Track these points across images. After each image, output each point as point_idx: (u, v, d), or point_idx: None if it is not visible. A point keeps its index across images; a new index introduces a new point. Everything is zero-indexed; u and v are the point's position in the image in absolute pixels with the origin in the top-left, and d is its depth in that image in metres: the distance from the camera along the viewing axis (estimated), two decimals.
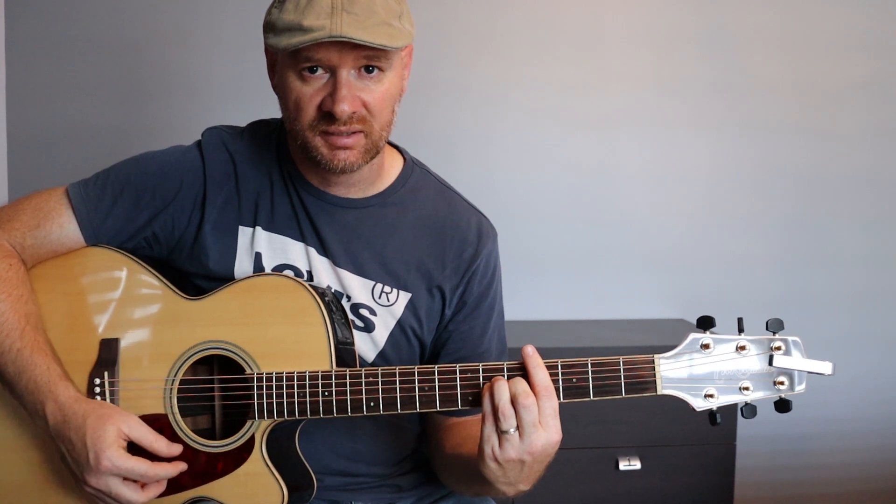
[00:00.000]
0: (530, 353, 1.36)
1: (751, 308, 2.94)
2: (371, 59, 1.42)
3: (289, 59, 1.43)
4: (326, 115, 1.43)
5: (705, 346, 1.36)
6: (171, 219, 1.56)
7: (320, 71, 1.42)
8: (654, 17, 2.91)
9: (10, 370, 1.43)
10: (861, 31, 2.97)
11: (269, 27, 1.43)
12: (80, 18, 2.74)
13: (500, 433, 1.32)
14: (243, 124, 1.68)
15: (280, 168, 1.60)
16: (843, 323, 3.02)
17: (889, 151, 3.01)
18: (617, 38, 2.91)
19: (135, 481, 1.41)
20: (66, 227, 1.53)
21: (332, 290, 1.57)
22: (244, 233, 1.57)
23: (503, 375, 1.38)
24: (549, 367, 1.36)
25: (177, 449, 1.45)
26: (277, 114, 1.70)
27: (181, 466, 1.44)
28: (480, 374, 1.39)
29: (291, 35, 1.38)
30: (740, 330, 1.37)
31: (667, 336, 2.74)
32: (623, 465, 2.55)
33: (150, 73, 2.79)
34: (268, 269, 1.56)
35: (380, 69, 1.44)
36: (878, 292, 3.04)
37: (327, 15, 1.37)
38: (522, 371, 1.36)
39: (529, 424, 1.31)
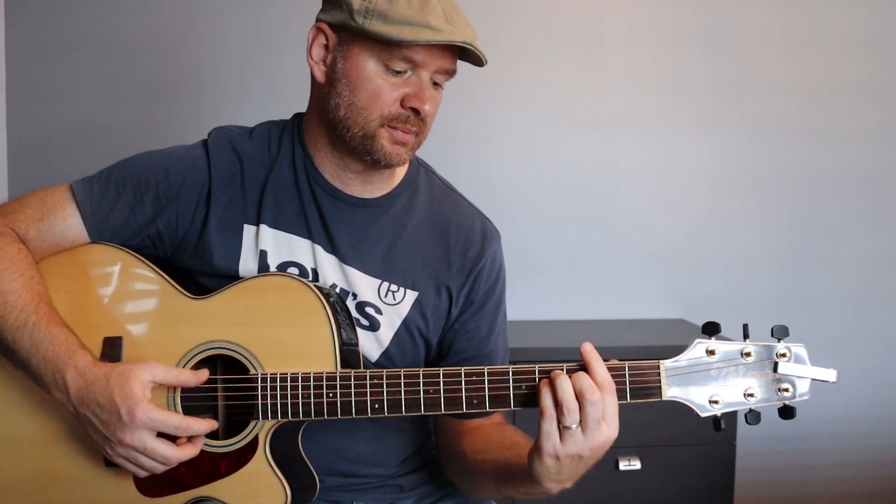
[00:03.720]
0: (588, 349, 1.35)
1: (751, 308, 2.96)
2: (448, 72, 1.50)
3: (378, 50, 1.45)
4: (407, 112, 1.47)
5: (711, 352, 1.35)
6: (175, 216, 1.56)
7: (403, 69, 1.46)
8: (654, 18, 2.92)
9: (25, 344, 1.42)
10: (861, 31, 2.97)
11: (375, 14, 1.43)
12: (80, 18, 2.74)
13: (563, 429, 1.31)
14: (244, 124, 1.67)
15: (294, 165, 1.60)
16: (843, 323, 3.02)
17: (889, 151, 3.02)
18: (617, 38, 2.91)
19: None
20: (69, 220, 1.53)
21: (338, 289, 1.57)
22: (249, 231, 1.57)
23: (508, 379, 1.38)
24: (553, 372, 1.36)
25: (204, 374, 1.45)
26: (281, 113, 1.70)
27: (213, 424, 1.44)
28: (486, 378, 1.39)
29: (417, 29, 1.40)
30: (745, 335, 1.37)
31: (667, 336, 2.74)
32: (623, 465, 2.55)
33: (150, 73, 2.79)
34: (272, 267, 1.56)
35: (445, 81, 1.52)
36: (878, 292, 3.05)
37: (444, 20, 1.42)
38: (526, 376, 1.37)
39: (594, 420, 1.30)
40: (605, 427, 1.31)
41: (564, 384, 1.31)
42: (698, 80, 2.94)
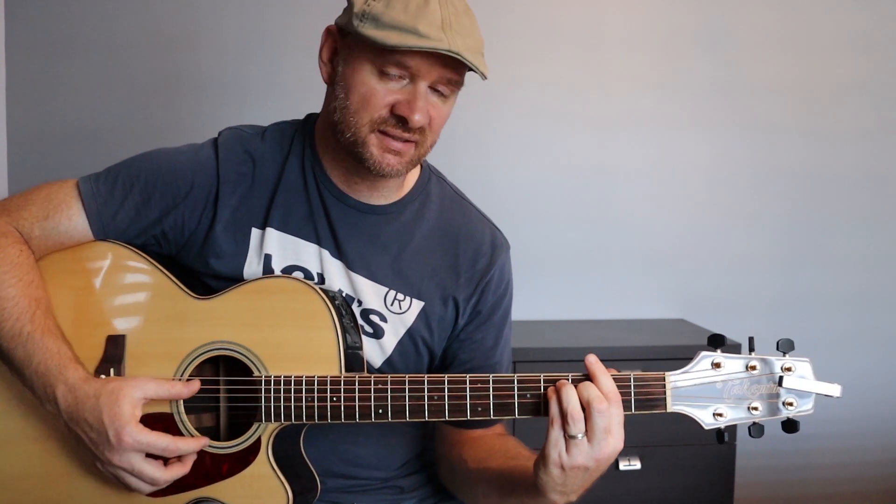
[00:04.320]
0: (593, 361, 1.35)
1: (751, 308, 2.96)
2: (450, 82, 1.45)
3: (373, 55, 1.43)
4: (396, 119, 1.44)
5: (716, 365, 1.35)
6: (181, 218, 1.55)
7: (398, 75, 1.43)
8: (654, 17, 2.92)
9: (19, 354, 1.41)
10: (861, 31, 2.97)
11: (369, 18, 1.41)
12: (80, 18, 2.74)
13: (568, 438, 1.30)
14: (244, 124, 1.67)
15: (303, 168, 1.59)
16: (843, 323, 3.03)
17: (889, 151, 3.02)
18: (617, 38, 2.91)
19: (157, 459, 1.40)
20: (74, 219, 1.52)
21: (343, 294, 1.56)
22: (255, 234, 1.56)
23: (513, 389, 1.38)
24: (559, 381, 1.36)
25: (195, 385, 1.45)
26: (281, 114, 1.69)
27: (203, 441, 1.44)
28: (490, 385, 1.38)
29: (403, 35, 1.37)
30: (751, 349, 1.37)
31: (667, 336, 2.74)
32: (623, 465, 2.55)
33: (152, 72, 2.78)
34: (277, 271, 1.55)
35: (450, 91, 1.47)
36: (878, 292, 3.05)
37: (439, 27, 1.38)
38: (530, 385, 1.37)
39: (601, 430, 1.29)
40: (612, 438, 1.30)
41: (569, 394, 1.31)
42: (698, 80, 2.94)
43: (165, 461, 1.42)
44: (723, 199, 2.99)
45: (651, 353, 2.54)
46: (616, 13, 2.91)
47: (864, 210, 3.03)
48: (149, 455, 1.39)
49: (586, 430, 1.30)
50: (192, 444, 1.42)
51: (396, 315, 1.58)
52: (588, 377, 1.34)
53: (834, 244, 3.02)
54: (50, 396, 1.40)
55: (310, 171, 1.58)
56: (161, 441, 1.39)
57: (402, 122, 1.44)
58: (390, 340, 1.58)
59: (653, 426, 2.51)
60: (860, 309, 3.04)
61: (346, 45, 1.48)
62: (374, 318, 1.57)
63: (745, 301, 2.97)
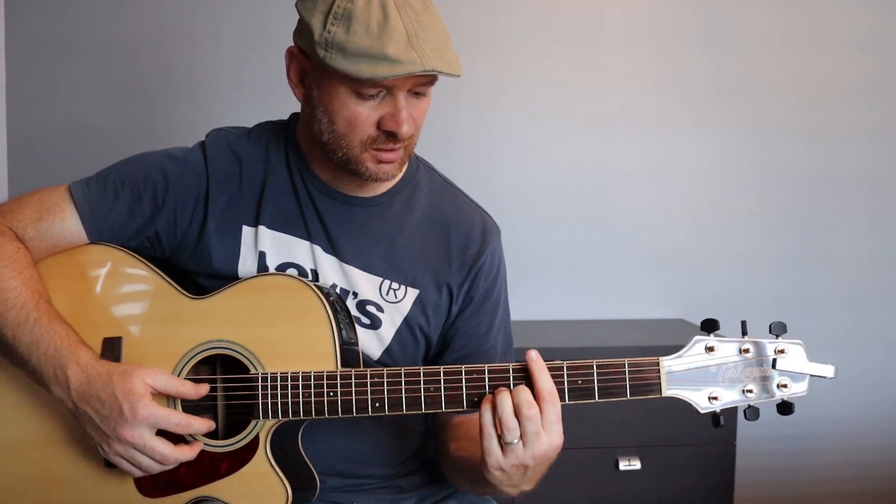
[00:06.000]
0: (534, 357, 1.36)
1: (751, 308, 2.95)
2: (427, 84, 1.46)
3: (347, 80, 1.42)
4: (386, 134, 1.45)
5: (710, 349, 1.36)
6: (172, 219, 1.56)
7: (375, 92, 1.43)
8: (654, 17, 2.92)
9: (26, 340, 1.42)
10: (861, 31, 2.97)
11: (334, 47, 1.39)
12: (80, 18, 2.74)
13: (504, 445, 1.33)
14: (247, 124, 1.68)
15: (289, 167, 1.60)
16: (843, 323, 3.02)
17: (889, 151, 3.02)
18: (617, 38, 2.91)
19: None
20: (67, 221, 1.53)
21: (338, 289, 1.57)
22: (248, 232, 1.57)
23: (509, 378, 1.38)
24: (553, 370, 1.37)
25: (204, 388, 1.45)
26: (278, 114, 1.70)
27: (211, 424, 1.45)
28: (486, 375, 1.39)
29: (374, 63, 1.36)
30: (744, 333, 1.38)
31: (667, 336, 2.74)
32: (623, 465, 2.55)
33: (151, 73, 2.79)
34: (271, 268, 1.56)
35: (426, 89, 1.48)
36: (878, 292, 3.05)
37: (406, 44, 1.37)
38: (527, 373, 1.37)
39: (532, 433, 1.32)
40: (545, 437, 1.33)
41: (504, 402, 1.34)
42: (698, 79, 2.94)
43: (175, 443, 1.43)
44: (723, 199, 2.99)
45: (651, 353, 2.52)
46: (616, 13, 2.91)
47: (864, 210, 3.02)
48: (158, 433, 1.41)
49: (521, 435, 1.33)
50: (202, 424, 1.43)
51: (392, 304, 1.59)
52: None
53: (834, 244, 3.02)
54: (60, 377, 1.41)
55: (296, 168, 1.60)
56: (174, 416, 1.40)
57: (392, 135, 1.45)
58: (388, 330, 1.59)
59: (652, 426, 2.53)
60: (860, 309, 3.04)
61: (314, 68, 1.48)
62: (371, 308, 1.58)
63: (745, 301, 2.96)
